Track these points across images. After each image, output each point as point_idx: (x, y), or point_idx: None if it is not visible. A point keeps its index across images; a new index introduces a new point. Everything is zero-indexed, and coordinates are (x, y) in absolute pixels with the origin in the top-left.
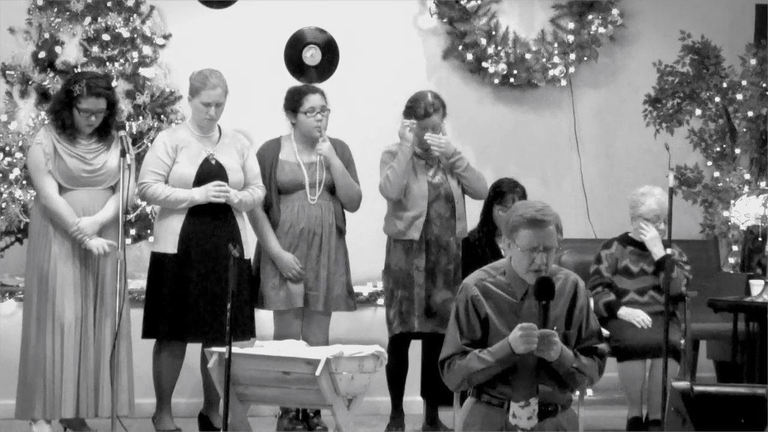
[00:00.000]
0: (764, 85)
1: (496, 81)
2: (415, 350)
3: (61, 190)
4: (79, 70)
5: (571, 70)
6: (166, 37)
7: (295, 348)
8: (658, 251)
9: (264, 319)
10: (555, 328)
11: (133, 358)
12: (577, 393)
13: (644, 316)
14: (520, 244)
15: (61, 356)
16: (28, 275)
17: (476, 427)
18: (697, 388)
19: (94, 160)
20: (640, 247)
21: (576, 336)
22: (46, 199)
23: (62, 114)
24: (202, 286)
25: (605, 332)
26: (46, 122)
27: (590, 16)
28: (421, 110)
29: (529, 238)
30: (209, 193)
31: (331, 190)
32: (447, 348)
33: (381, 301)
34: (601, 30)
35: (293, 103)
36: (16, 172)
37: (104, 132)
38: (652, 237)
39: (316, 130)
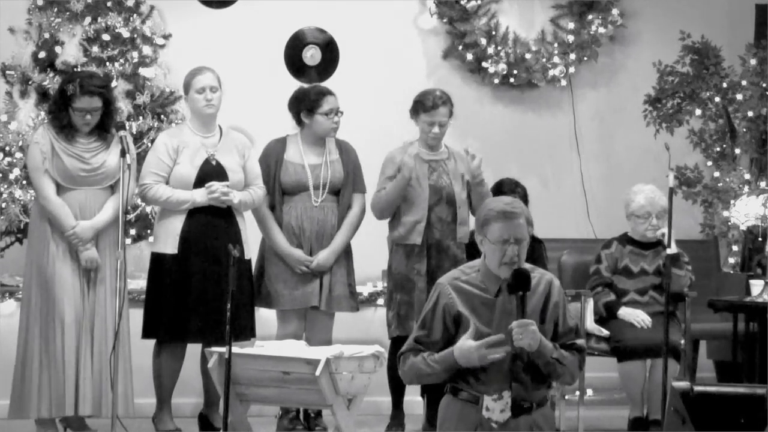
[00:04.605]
0: (764, 85)
1: (496, 81)
2: None
3: (60, 189)
4: (79, 70)
5: (571, 70)
6: (166, 37)
7: (295, 348)
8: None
9: (265, 318)
10: None
11: (134, 358)
12: (577, 393)
13: (644, 316)
14: (491, 238)
15: (62, 355)
16: (26, 274)
17: (452, 423)
18: (697, 388)
19: (93, 159)
20: (640, 246)
21: (551, 331)
22: (44, 200)
23: (59, 114)
24: (202, 287)
25: (605, 332)
26: (45, 121)
27: (590, 16)
28: (430, 102)
29: (500, 230)
30: (209, 196)
31: (335, 192)
32: (406, 344)
33: (381, 301)
34: (601, 30)
35: (311, 103)
36: (16, 172)
37: (103, 130)
38: (637, 318)
39: (333, 132)
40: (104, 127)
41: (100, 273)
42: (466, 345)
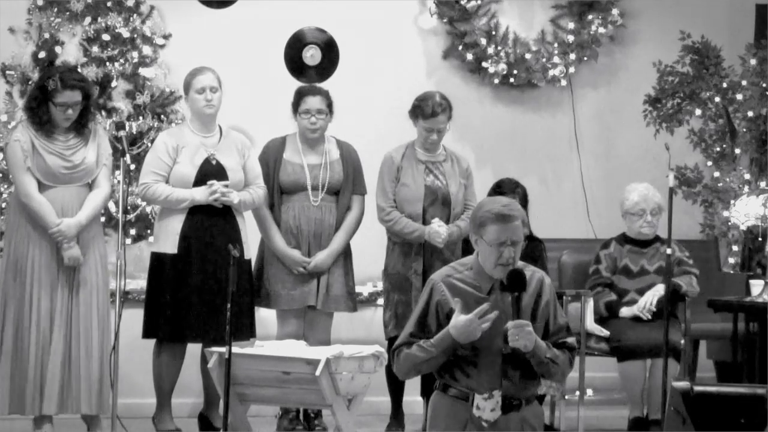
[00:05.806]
0: (764, 85)
1: (496, 81)
2: None
3: (41, 187)
4: (55, 65)
5: (571, 70)
6: (166, 37)
7: (295, 348)
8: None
9: (265, 318)
10: None
11: (134, 357)
12: (577, 393)
13: (645, 303)
14: (487, 239)
15: (29, 352)
16: (3, 270)
17: (442, 420)
18: (697, 388)
19: (73, 156)
20: (639, 245)
21: (542, 329)
22: (27, 198)
23: (38, 110)
24: (202, 287)
25: (605, 332)
26: (23, 119)
27: (590, 16)
28: (429, 109)
29: (497, 232)
30: (210, 196)
31: (334, 192)
32: (400, 338)
33: (381, 301)
34: (601, 30)
35: (294, 102)
36: None
37: (81, 126)
38: (640, 307)
39: (309, 132)
40: (83, 122)
41: (82, 271)
42: (460, 320)
